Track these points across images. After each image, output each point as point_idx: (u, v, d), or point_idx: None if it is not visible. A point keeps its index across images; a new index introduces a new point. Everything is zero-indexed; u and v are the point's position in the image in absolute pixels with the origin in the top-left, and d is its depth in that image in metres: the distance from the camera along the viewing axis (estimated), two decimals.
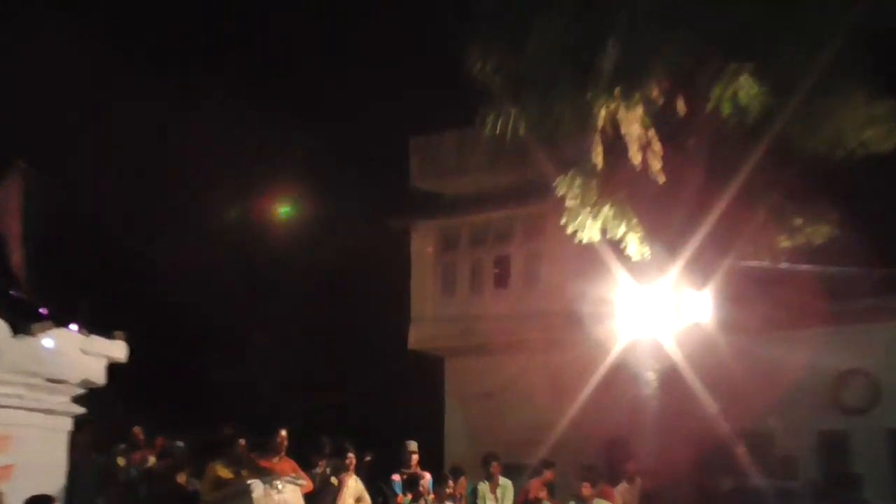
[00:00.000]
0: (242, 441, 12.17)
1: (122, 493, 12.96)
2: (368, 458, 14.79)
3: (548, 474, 14.85)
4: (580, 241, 13.15)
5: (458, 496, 13.27)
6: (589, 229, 13.00)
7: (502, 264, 20.09)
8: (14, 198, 9.70)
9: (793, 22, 11.73)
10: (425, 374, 21.75)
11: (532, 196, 18.34)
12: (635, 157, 12.14)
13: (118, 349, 11.31)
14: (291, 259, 25.08)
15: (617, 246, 13.28)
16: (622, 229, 13.06)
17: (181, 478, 13.09)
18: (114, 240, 23.38)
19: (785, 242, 13.19)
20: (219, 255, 24.67)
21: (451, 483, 12.84)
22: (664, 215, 12.66)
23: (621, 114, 12.06)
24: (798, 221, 13.07)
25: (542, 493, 14.37)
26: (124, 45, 23.55)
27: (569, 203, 12.98)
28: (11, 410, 9.32)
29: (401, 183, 21.30)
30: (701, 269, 12.85)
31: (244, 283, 24.63)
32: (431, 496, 12.89)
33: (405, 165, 21.33)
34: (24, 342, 9.46)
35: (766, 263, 13.26)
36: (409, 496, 13.08)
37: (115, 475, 13.15)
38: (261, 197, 24.82)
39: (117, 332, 11.51)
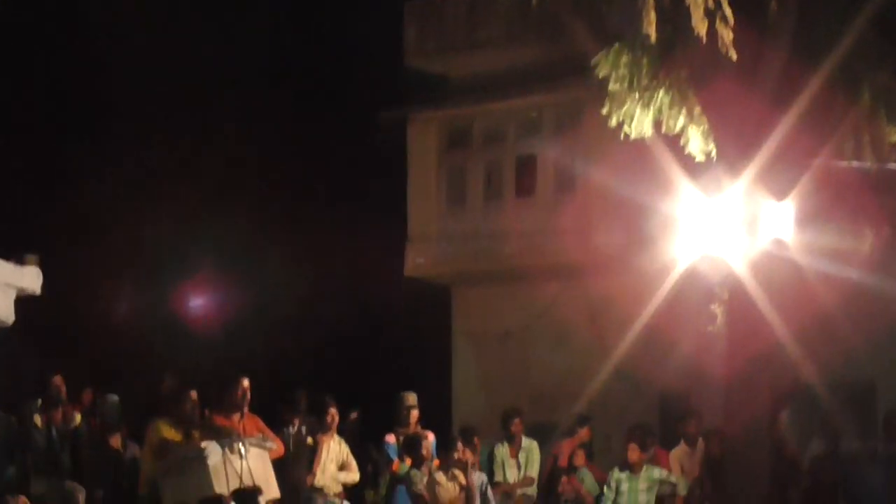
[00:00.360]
0: (193, 394, 12.32)
1: (40, 460, 13.17)
2: (355, 415, 14.99)
3: (582, 433, 15.05)
4: (627, 136, 13.14)
5: (470, 463, 13.43)
6: (638, 121, 12.99)
7: (526, 166, 20.11)
8: None
9: None
10: (427, 309, 21.89)
11: (565, 78, 18.28)
12: (699, 27, 12.07)
13: (30, 278, 11.40)
14: (251, 163, 25.10)
15: (675, 142, 13.28)
16: (681, 121, 13.04)
17: (115, 441, 13.30)
18: (21, 142, 23.44)
19: (895, 136, 13.18)
20: (158, 157, 24.70)
21: (460, 446, 13.00)
22: (736, 102, 12.63)
23: None
24: None
25: (579, 459, 14.58)
26: None
27: (612, 87, 12.95)
28: None
29: (393, 62, 21.24)
30: (783, 172, 12.85)
31: (190, 191, 24.65)
32: (435, 462, 13.05)
33: (399, 39, 21.26)
34: None
35: (868, 164, 13.25)
36: (408, 462, 13.26)
37: (30, 438, 13.34)
38: (215, 82, 24.79)
39: (29, 256, 11.60)
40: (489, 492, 13.71)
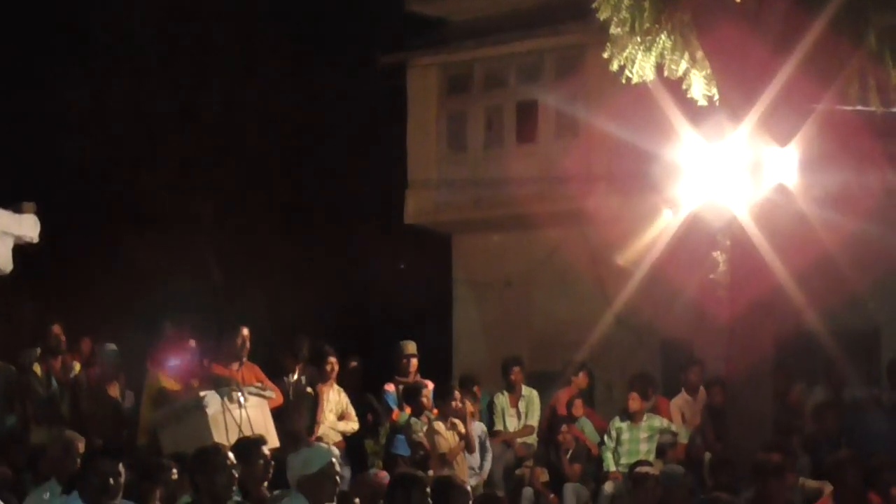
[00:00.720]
0: (192, 342, 12.41)
1: (39, 409, 13.25)
2: (354, 364, 15.04)
3: (578, 380, 15.05)
4: (629, 81, 13.15)
5: (470, 412, 13.50)
6: (640, 65, 12.97)
7: (527, 112, 20.07)
8: None
9: None
10: (427, 257, 21.94)
11: (566, 21, 18.25)
12: None
13: (28, 226, 11.45)
14: (249, 108, 25.09)
15: (677, 87, 13.29)
16: (683, 65, 13.03)
17: (114, 390, 13.38)
18: (19, 89, 23.42)
19: None
20: (156, 102, 24.67)
21: (457, 395, 13.08)
22: (739, 46, 12.62)
23: None
24: None
25: (578, 409, 14.61)
26: None
27: (613, 30, 12.95)
28: None
29: (393, 6, 21.19)
30: (787, 117, 12.84)
31: (187, 137, 24.64)
32: (434, 412, 13.14)
33: None
34: None
35: (873, 108, 13.24)
36: (408, 411, 13.35)
37: (29, 387, 13.42)
38: (212, 27, 24.71)
39: (26, 204, 11.65)
40: (488, 442, 13.83)
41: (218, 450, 8.77)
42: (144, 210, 23.99)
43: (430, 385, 13.54)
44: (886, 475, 10.70)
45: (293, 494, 8.55)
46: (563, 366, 15.70)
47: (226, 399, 11.44)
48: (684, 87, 13.20)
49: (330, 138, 24.60)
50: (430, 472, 11.53)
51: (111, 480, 8.32)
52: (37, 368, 13.49)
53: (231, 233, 24.71)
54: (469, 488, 9.22)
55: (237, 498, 8.70)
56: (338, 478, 8.56)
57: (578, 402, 14.70)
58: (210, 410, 11.31)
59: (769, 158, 12.98)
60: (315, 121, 24.55)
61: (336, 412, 13.54)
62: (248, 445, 9.41)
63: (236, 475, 8.56)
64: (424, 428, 12.89)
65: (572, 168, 18.90)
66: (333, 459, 8.49)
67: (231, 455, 8.64)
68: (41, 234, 11.59)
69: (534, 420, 14.78)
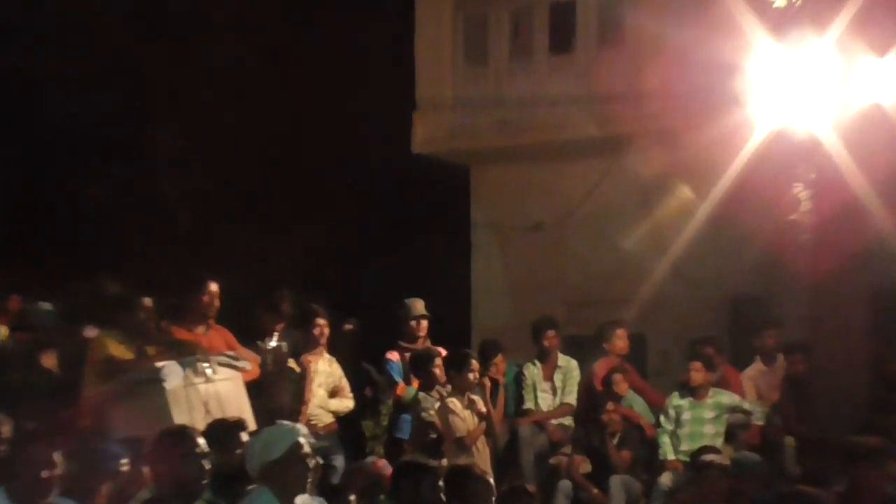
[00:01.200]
0: (148, 301, 12.26)
1: None
2: (349, 327, 14.97)
3: (614, 345, 14.75)
4: None
5: (490, 384, 13.31)
6: None
7: (562, 15, 19.94)
8: None
9: None
10: (440, 194, 21.85)
11: None
12: None
13: None
14: (227, 11, 25.00)
15: None
16: None
17: (48, 359, 13.25)
18: None
19: None
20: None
21: (474, 365, 12.89)
22: None
23: None
24: None
25: (620, 387, 14.30)
26: None
27: None
28: None
29: None
30: (882, 21, 12.72)
31: (148, 46, 24.54)
32: (448, 388, 12.96)
33: None
34: None
35: None
36: (416, 385, 13.20)
37: None
38: None
39: None
40: None
41: (184, 434, 8.77)
42: (92, 136, 23.86)
43: (443, 353, 13.37)
44: None
45: (256, 489, 8.38)
46: (597, 329, 15.41)
47: (189, 371, 11.30)
48: None
49: (324, 51, 24.47)
50: (444, 461, 11.41)
51: (44, 473, 8.17)
52: None
53: (202, 165, 24.62)
54: (492, 480, 9.10)
55: (208, 495, 8.59)
56: (310, 461, 8.39)
57: (619, 378, 14.36)
58: (169, 385, 11.16)
59: (862, 72, 12.95)
60: (306, 31, 24.45)
61: (327, 387, 13.43)
62: (226, 429, 9.34)
63: (207, 466, 8.47)
64: (436, 405, 12.74)
65: (617, 85, 18.79)
66: (301, 439, 8.34)
67: (202, 441, 8.57)
68: None
69: (572, 397, 14.55)
